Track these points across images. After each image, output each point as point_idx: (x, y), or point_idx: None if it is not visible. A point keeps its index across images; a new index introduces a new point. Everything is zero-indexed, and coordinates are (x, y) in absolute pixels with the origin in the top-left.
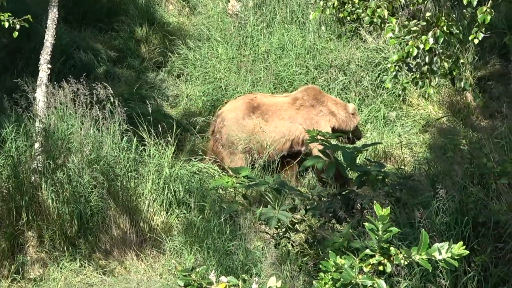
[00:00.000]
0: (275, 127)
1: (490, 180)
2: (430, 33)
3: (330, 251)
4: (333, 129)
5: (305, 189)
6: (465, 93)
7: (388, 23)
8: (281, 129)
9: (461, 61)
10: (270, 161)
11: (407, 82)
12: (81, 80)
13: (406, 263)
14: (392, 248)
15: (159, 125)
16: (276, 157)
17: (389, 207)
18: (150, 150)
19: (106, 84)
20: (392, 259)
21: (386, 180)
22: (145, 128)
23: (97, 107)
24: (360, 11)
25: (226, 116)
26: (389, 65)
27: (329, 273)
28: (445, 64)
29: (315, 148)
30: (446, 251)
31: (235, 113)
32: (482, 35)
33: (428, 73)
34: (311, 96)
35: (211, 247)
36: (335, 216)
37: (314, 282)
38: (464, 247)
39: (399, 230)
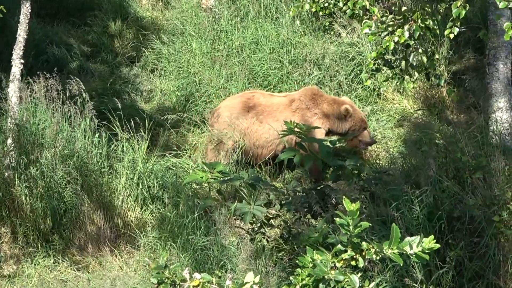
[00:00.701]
0: (269, 129)
1: (465, 174)
2: (406, 27)
3: (307, 247)
4: (329, 132)
5: (280, 184)
6: (439, 88)
7: (369, 14)
8: (274, 131)
9: (436, 56)
10: (262, 161)
11: (386, 80)
12: (53, 75)
13: (378, 258)
14: (364, 243)
15: (132, 120)
16: (267, 157)
17: (358, 202)
18: (123, 145)
19: (78, 80)
20: (364, 254)
21: (361, 174)
22: (119, 123)
23: (69, 102)
24: (341, 4)
25: (221, 113)
26: (366, 61)
27: (306, 269)
28: (424, 58)
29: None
30: (417, 245)
31: (230, 112)
32: (457, 29)
33: (408, 69)
34: (308, 98)
35: (185, 242)
36: (310, 211)
37: (291, 277)
38: (435, 241)
39: (370, 224)
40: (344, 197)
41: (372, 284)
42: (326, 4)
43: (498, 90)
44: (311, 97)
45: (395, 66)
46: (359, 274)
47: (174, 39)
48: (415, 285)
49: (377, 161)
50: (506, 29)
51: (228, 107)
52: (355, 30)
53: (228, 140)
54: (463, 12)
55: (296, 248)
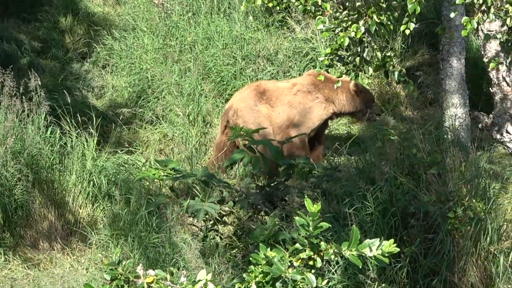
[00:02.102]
0: (279, 113)
1: (419, 170)
2: (361, 22)
3: (260, 244)
4: (335, 114)
5: (233, 181)
6: (394, 83)
7: (322, 9)
8: (282, 115)
9: (388, 53)
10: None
11: (340, 76)
12: (7, 71)
13: (336, 258)
14: (322, 243)
15: (83, 117)
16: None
17: (319, 203)
18: (73, 141)
19: (36, 75)
20: (322, 254)
21: (313, 171)
22: (69, 119)
23: (23, 98)
24: (293, 0)
25: (238, 106)
26: (321, 58)
27: (259, 266)
28: (378, 54)
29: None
30: (376, 248)
31: (246, 102)
32: (413, 25)
33: (362, 64)
34: (309, 81)
35: (136, 240)
36: (263, 209)
37: (244, 275)
38: (395, 244)
39: (330, 225)
40: (306, 197)
41: (325, 281)
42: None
43: (452, 86)
44: (312, 81)
45: (349, 62)
46: (313, 271)
47: (125, 34)
48: (369, 281)
49: (331, 158)
50: (464, 23)
51: (241, 100)
52: (309, 26)
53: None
54: (419, 7)
55: (249, 245)
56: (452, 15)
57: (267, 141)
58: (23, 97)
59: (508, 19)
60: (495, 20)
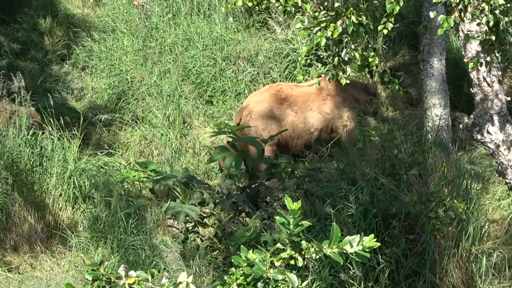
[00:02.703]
0: (305, 118)
1: (401, 171)
2: (339, 22)
3: (242, 246)
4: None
5: (214, 183)
6: (375, 84)
7: (302, 11)
8: (310, 120)
9: (370, 54)
10: (298, 151)
11: (319, 76)
12: None
13: (317, 257)
14: (303, 242)
15: (64, 119)
16: (304, 146)
17: (300, 201)
18: (54, 144)
19: (21, 76)
20: (303, 253)
21: (295, 172)
22: (50, 121)
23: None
24: (273, 0)
25: (254, 109)
26: (300, 58)
27: (241, 268)
28: (356, 54)
29: (343, 129)
30: (357, 244)
31: (263, 106)
32: (391, 25)
33: (340, 64)
34: (334, 85)
35: (115, 242)
36: (244, 210)
37: (225, 277)
38: (375, 239)
39: (310, 224)
40: (286, 196)
41: (305, 282)
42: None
43: (433, 86)
44: (336, 83)
45: (328, 62)
46: (295, 271)
47: (105, 36)
48: (351, 281)
49: (313, 159)
50: (441, 22)
51: (259, 102)
52: (290, 27)
53: (269, 134)
54: (397, 7)
55: (230, 247)
56: (431, 15)
57: (252, 139)
58: (5, 99)
59: (484, 18)
60: (475, 20)
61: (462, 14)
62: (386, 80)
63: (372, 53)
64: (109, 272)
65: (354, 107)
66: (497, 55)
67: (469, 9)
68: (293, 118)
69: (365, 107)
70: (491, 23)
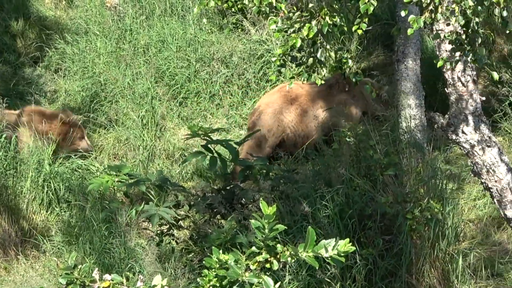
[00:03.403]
0: (313, 117)
1: (376, 172)
2: (314, 22)
3: (213, 247)
4: (363, 113)
5: (189, 185)
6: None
7: (276, 11)
8: (318, 119)
9: (344, 55)
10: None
11: (293, 77)
12: None
13: (293, 261)
14: (279, 246)
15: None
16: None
17: (275, 205)
18: (29, 147)
19: None
20: (278, 256)
21: (270, 173)
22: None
23: None
24: (246, 1)
25: (264, 110)
26: (273, 59)
27: (213, 270)
28: (332, 54)
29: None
30: (332, 248)
31: (273, 108)
32: (365, 25)
33: (315, 65)
34: (344, 82)
35: (88, 245)
36: (219, 212)
37: (198, 279)
38: (350, 243)
39: (286, 227)
40: (261, 200)
41: (277, 284)
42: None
43: (408, 87)
44: (346, 81)
45: (302, 63)
46: (270, 273)
47: (78, 38)
48: (329, 281)
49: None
50: (411, 22)
51: (269, 104)
52: (264, 28)
53: (272, 136)
54: (371, 8)
55: (205, 249)
56: (403, 14)
57: (225, 141)
58: None
59: (454, 19)
60: (447, 20)
61: (433, 14)
62: (359, 80)
63: (346, 54)
64: (83, 276)
65: (330, 107)
66: (467, 55)
67: (440, 10)
68: (303, 118)
69: (373, 108)
70: (461, 23)
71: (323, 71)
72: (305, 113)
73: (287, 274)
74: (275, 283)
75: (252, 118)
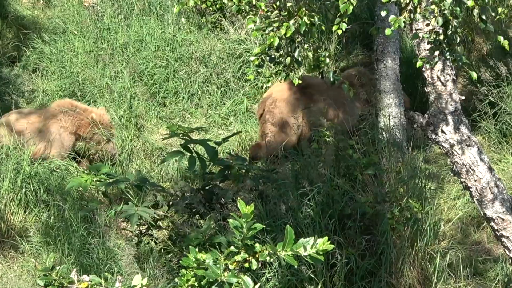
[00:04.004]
0: (319, 109)
1: (356, 171)
2: (292, 21)
3: (190, 247)
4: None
5: (167, 185)
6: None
7: (256, 9)
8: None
9: (326, 53)
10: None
11: (270, 76)
12: None
13: (271, 260)
14: (257, 245)
15: None
16: None
17: (253, 204)
18: (8, 148)
19: None
20: (257, 256)
21: (250, 173)
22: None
23: None
24: (225, 0)
25: (277, 97)
26: (252, 58)
27: (191, 269)
28: (310, 54)
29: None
30: (311, 247)
31: (287, 94)
32: (345, 25)
33: (292, 64)
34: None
35: (66, 245)
36: (198, 212)
37: (176, 279)
38: (329, 242)
39: (264, 226)
40: (239, 199)
41: (257, 285)
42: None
43: (387, 86)
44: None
45: (279, 62)
46: (250, 273)
47: (56, 38)
48: (313, 276)
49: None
50: (391, 22)
51: (281, 91)
52: (243, 27)
53: (293, 122)
54: (351, 7)
55: (184, 249)
56: (383, 14)
57: (203, 141)
58: None
59: (434, 20)
60: (426, 20)
61: (412, 14)
62: (336, 80)
63: (323, 53)
64: (61, 277)
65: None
66: (446, 54)
67: (419, 10)
68: (313, 108)
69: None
70: (440, 24)
71: (300, 70)
72: (314, 102)
73: (267, 273)
74: (255, 283)
75: (266, 106)
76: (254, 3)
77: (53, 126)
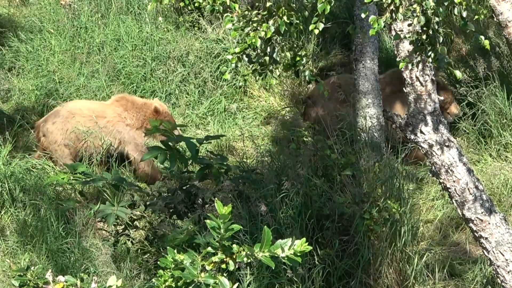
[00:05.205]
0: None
1: (334, 172)
2: (271, 22)
3: (168, 247)
4: None
5: (145, 184)
6: (306, 85)
7: (230, 10)
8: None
9: (303, 52)
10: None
11: (248, 74)
12: None
13: (249, 261)
14: (234, 246)
15: None
16: None
17: (230, 205)
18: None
19: None
20: (235, 257)
21: (229, 173)
22: None
23: None
24: (200, 0)
25: (316, 100)
26: (229, 57)
27: (169, 270)
28: (287, 54)
29: None
30: (289, 248)
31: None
32: (322, 25)
33: (269, 64)
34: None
35: (44, 246)
36: (176, 212)
37: (153, 279)
38: (307, 243)
39: (241, 227)
40: (216, 199)
41: (235, 285)
42: None
43: (366, 86)
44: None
45: (255, 61)
46: (229, 273)
47: (32, 36)
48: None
49: (245, 160)
50: (371, 22)
51: (320, 95)
52: (221, 26)
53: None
54: (328, 7)
55: (161, 250)
56: (363, 15)
57: (186, 138)
58: None
59: (416, 19)
60: (408, 20)
61: (394, 15)
62: (312, 79)
63: (300, 52)
64: (36, 278)
65: None
66: (428, 55)
67: (401, 10)
68: (347, 108)
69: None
70: (421, 23)
71: (277, 70)
72: (347, 103)
73: (249, 274)
74: (233, 284)
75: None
76: (228, 3)
77: (119, 125)
